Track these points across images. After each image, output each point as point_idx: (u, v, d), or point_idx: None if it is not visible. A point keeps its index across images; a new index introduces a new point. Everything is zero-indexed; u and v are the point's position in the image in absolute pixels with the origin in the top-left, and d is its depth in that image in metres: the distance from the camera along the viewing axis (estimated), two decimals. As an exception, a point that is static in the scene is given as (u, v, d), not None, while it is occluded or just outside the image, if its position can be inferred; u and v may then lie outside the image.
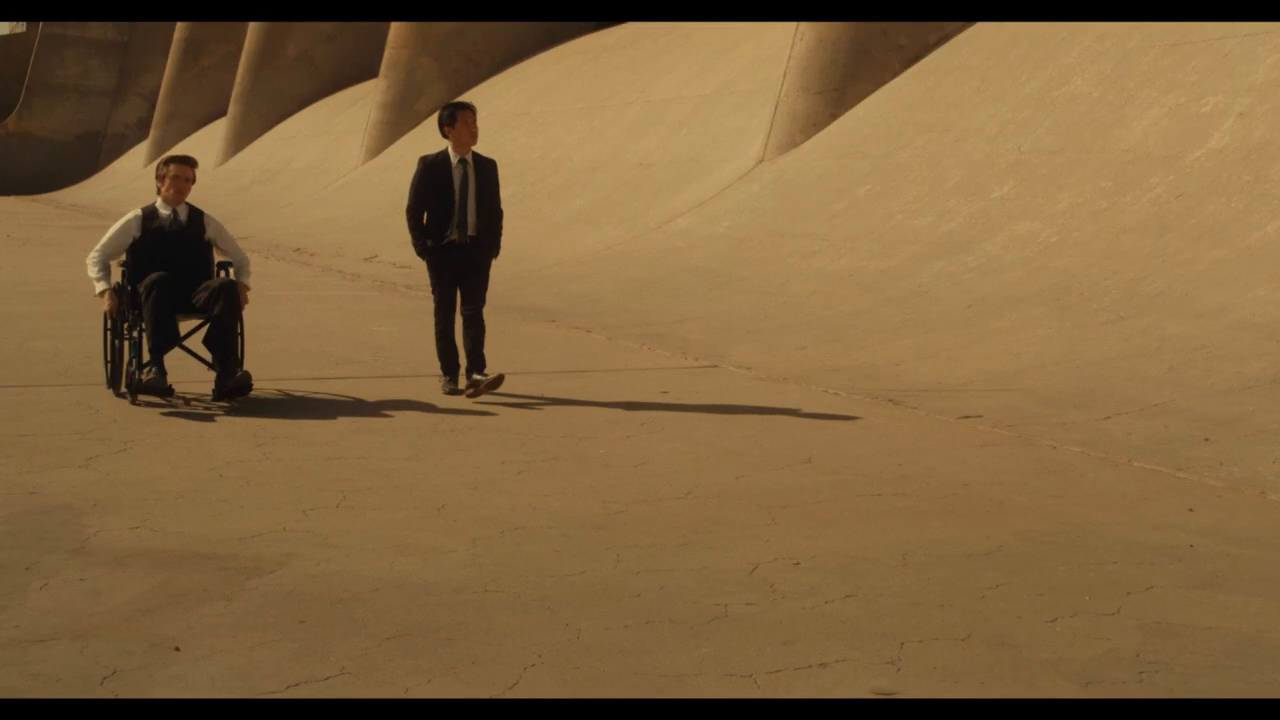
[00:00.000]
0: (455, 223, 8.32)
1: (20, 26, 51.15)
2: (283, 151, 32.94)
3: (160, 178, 8.38)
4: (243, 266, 8.41)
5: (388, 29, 29.53)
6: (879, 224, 13.12)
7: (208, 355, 8.18)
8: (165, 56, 42.89)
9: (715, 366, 9.54)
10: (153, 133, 42.09)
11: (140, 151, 43.47)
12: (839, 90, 16.25)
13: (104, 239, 8.26)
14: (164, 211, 8.30)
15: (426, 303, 13.87)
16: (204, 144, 37.85)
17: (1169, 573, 4.81)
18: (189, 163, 8.45)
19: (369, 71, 32.42)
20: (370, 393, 8.37)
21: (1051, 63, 13.95)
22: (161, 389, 7.80)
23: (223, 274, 8.38)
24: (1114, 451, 6.77)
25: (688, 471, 6.34)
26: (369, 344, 10.55)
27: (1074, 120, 12.74)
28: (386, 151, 27.60)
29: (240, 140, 35.76)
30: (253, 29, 35.74)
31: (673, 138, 19.13)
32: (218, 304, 8.00)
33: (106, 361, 8.28)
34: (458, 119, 8.45)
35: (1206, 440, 6.87)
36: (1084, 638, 4.15)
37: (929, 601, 4.47)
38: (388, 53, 28.99)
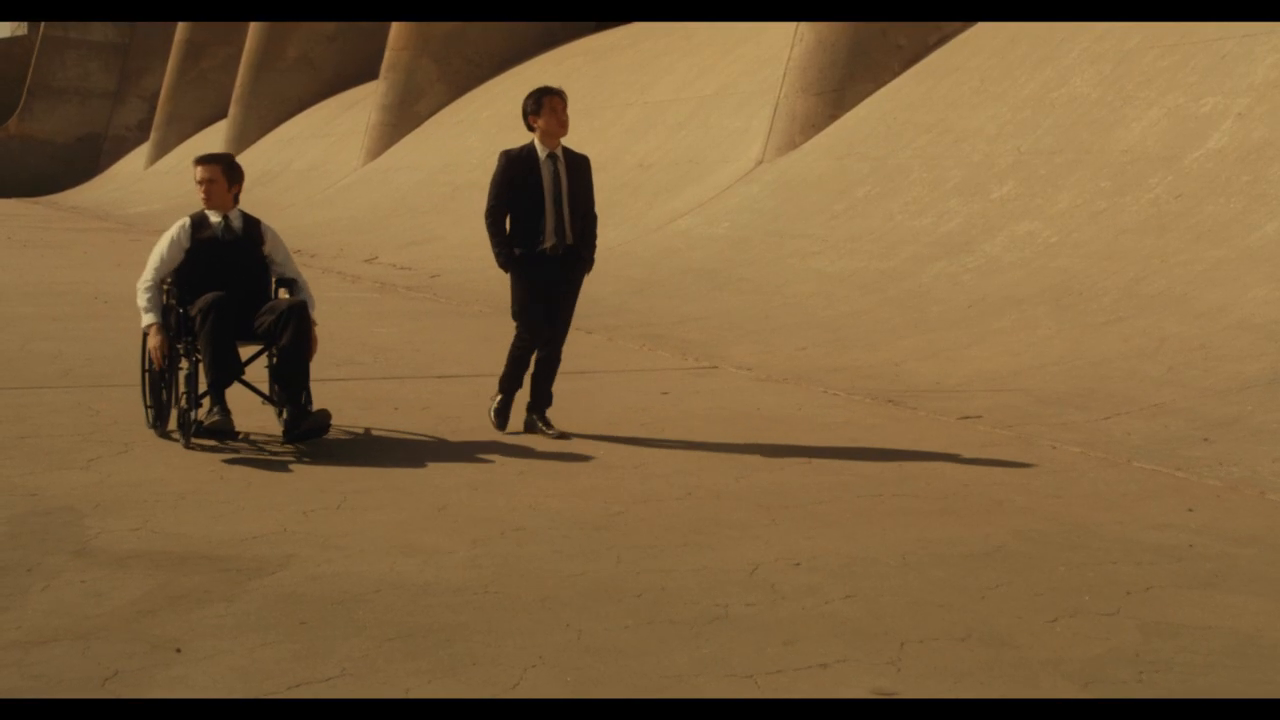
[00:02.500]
0: (549, 230, 7.11)
1: (21, 29, 51.21)
2: (283, 153, 32.95)
3: (196, 183, 7.20)
4: (300, 288, 7.22)
5: (388, 30, 29.54)
6: (879, 224, 13.13)
7: (249, 385, 7.16)
8: (166, 58, 42.92)
9: (715, 367, 9.54)
10: (153, 135, 42.13)
11: (141, 153, 43.50)
12: (839, 91, 16.26)
13: (152, 261, 7.04)
14: (214, 219, 7.10)
15: (427, 304, 13.96)
16: (204, 146, 37.81)
17: (1169, 572, 4.82)
18: (210, 161, 7.19)
19: (369, 73, 32.44)
20: (371, 394, 8.37)
21: (1051, 63, 13.96)
22: (227, 433, 6.67)
23: (284, 293, 7.25)
24: (1114, 451, 6.77)
25: (688, 472, 6.35)
26: (369, 345, 10.55)
27: (1073, 121, 12.74)
28: (387, 153, 27.59)
29: (240, 142, 35.78)
30: (253, 31, 35.77)
31: (673, 139, 19.14)
32: (285, 331, 6.78)
33: (145, 395, 7.23)
34: (544, 106, 7.17)
35: (1206, 440, 6.88)
36: (1084, 637, 4.16)
37: (929, 601, 4.48)
38: (388, 54, 29.00)
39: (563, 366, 9.52)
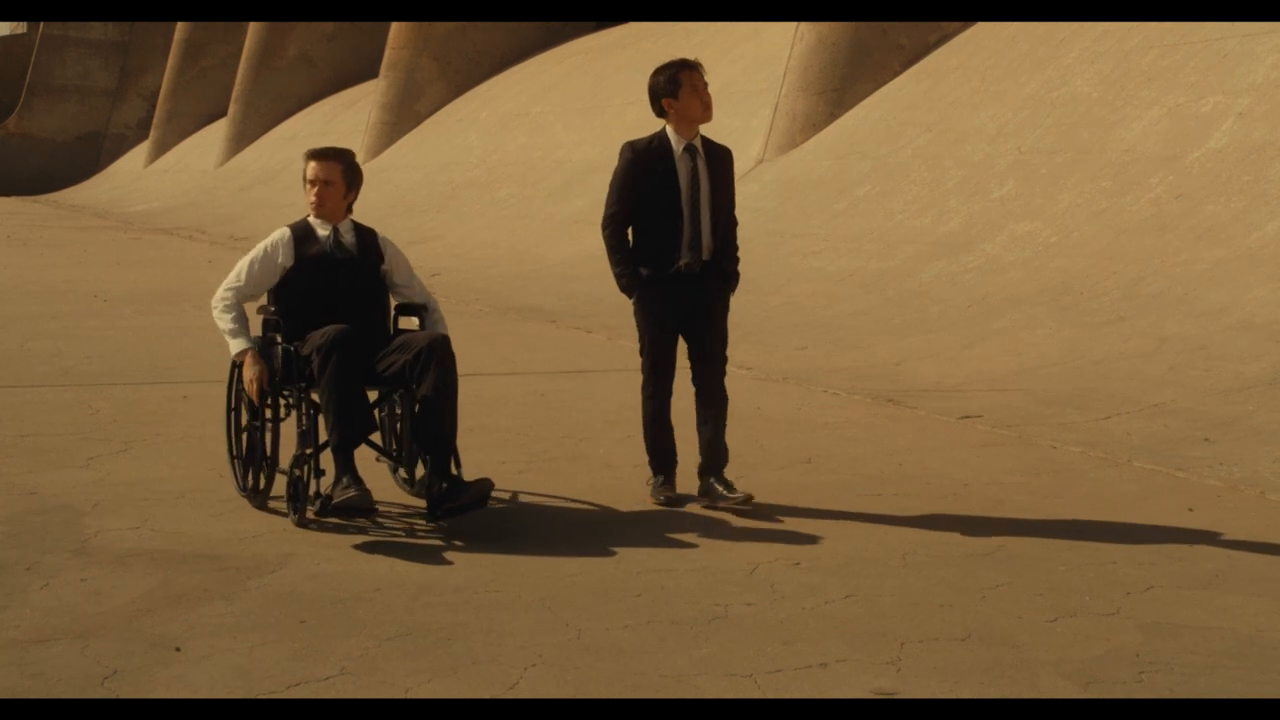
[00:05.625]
0: (685, 241, 5.66)
1: (21, 27, 51.17)
2: (283, 152, 32.93)
3: (305, 182, 5.75)
4: (433, 315, 5.76)
5: (388, 29, 29.54)
6: (879, 224, 13.12)
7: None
8: (166, 57, 42.91)
9: (715, 367, 9.52)
10: (153, 133, 42.14)
11: (141, 152, 43.48)
12: (839, 90, 16.25)
13: (239, 272, 5.62)
14: (321, 231, 5.66)
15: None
16: (204, 144, 37.89)
17: (1169, 573, 4.82)
18: (329, 158, 5.76)
19: (369, 72, 32.42)
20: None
21: (1051, 63, 13.95)
22: (366, 509, 5.31)
23: (408, 323, 5.79)
24: (1114, 451, 6.77)
25: (688, 472, 6.33)
26: (369, 344, 10.53)
27: (1074, 120, 12.74)
28: (386, 152, 27.58)
29: (241, 141, 35.77)
30: (253, 29, 35.77)
31: (673, 138, 19.12)
32: (427, 377, 5.27)
33: (233, 447, 5.79)
34: (682, 83, 5.61)
35: (1206, 440, 6.88)
36: (1084, 638, 4.15)
37: (929, 601, 4.47)
38: (388, 53, 29.00)
39: (562, 366, 9.52)
